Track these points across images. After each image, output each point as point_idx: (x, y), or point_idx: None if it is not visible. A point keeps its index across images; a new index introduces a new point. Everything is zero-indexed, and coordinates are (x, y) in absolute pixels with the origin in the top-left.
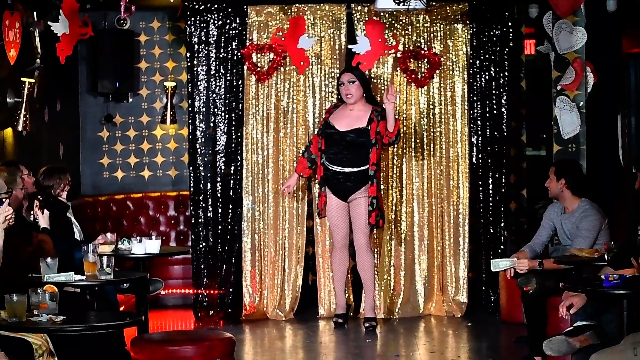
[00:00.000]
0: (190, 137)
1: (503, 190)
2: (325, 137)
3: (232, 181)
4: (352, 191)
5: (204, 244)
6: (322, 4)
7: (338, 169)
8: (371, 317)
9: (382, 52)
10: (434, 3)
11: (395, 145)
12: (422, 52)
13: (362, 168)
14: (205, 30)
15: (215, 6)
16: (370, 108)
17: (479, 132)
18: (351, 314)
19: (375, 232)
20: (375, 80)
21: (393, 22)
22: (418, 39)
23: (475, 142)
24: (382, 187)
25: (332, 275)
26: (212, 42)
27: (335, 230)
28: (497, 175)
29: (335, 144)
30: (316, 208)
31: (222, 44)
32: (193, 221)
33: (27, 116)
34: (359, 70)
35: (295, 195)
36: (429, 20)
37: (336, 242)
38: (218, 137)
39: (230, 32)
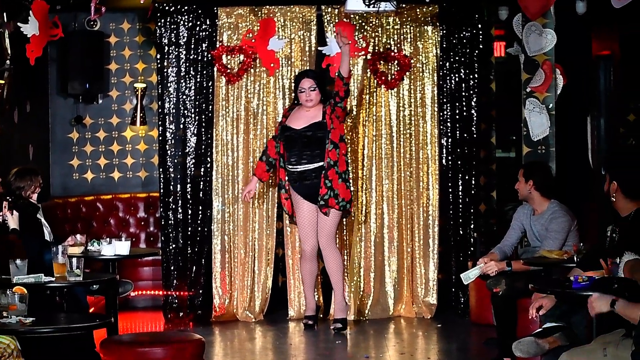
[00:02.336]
0: (160, 138)
1: (473, 192)
2: (285, 140)
3: (202, 183)
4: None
5: (173, 246)
6: (292, 6)
7: (302, 167)
8: (341, 318)
9: (352, 54)
10: (404, 5)
11: (348, 118)
12: (392, 54)
13: (321, 164)
14: (175, 31)
15: (185, 8)
16: (322, 105)
17: (449, 134)
18: (321, 316)
19: (345, 232)
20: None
21: (363, 24)
22: (388, 41)
23: (445, 143)
24: (337, 168)
25: (302, 280)
26: (182, 43)
27: (305, 240)
28: (466, 177)
29: (294, 143)
30: (286, 213)
31: (192, 46)
32: (163, 223)
33: None
34: (314, 73)
35: (264, 197)
36: (399, 22)
37: (305, 252)
38: (188, 139)
39: (201, 33)
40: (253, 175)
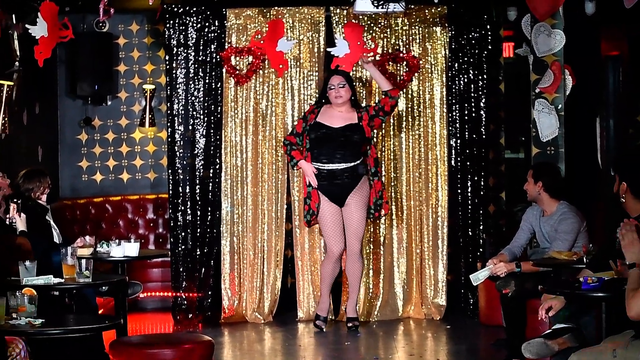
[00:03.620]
0: (169, 140)
1: (482, 193)
2: (317, 137)
3: (210, 184)
4: (349, 189)
5: (182, 247)
6: (301, 7)
7: (333, 166)
8: (354, 317)
9: (361, 55)
10: (412, 6)
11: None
12: (401, 55)
13: (353, 164)
14: (184, 33)
15: (194, 9)
16: (355, 109)
17: (458, 135)
18: (331, 317)
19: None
20: (353, 83)
21: (372, 25)
22: (397, 42)
23: (454, 144)
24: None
25: (321, 279)
26: (190, 45)
27: (334, 242)
28: (475, 178)
29: (328, 141)
30: (306, 214)
31: (201, 47)
32: (172, 224)
33: (6, 119)
34: (346, 73)
35: (273, 198)
36: (407, 23)
37: (333, 252)
38: (197, 140)
39: (209, 35)
40: (297, 162)
